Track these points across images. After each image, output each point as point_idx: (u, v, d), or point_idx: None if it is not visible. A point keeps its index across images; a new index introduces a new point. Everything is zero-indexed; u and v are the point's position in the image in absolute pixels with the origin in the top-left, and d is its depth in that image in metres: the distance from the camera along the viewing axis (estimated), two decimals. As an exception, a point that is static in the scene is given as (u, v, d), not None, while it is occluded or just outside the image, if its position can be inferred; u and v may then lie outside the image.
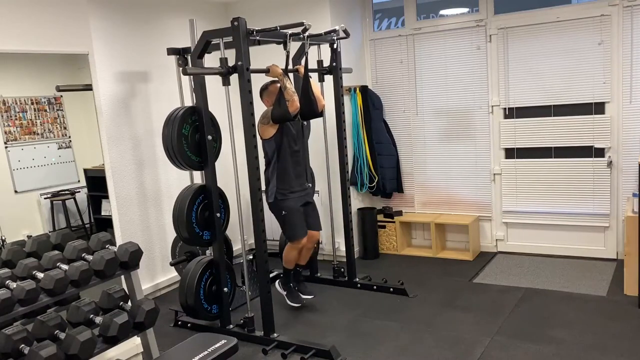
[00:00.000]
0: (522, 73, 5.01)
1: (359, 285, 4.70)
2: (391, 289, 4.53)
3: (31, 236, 3.10)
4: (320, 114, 4.19)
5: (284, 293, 4.32)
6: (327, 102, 4.57)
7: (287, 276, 4.34)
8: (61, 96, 4.56)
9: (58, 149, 4.59)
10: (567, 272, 4.71)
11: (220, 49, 3.66)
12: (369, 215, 5.52)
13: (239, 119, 3.60)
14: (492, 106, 5.18)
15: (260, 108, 3.91)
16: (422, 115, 5.51)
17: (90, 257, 2.88)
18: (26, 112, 4.37)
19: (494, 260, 5.21)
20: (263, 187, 3.75)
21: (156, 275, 4.88)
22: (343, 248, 4.85)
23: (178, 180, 4.83)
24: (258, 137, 3.80)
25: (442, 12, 5.40)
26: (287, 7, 5.21)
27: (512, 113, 5.11)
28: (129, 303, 2.98)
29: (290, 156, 4.03)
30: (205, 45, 3.70)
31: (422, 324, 3.93)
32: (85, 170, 4.78)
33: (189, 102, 4.31)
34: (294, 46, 4.14)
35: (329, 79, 4.62)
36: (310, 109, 4.04)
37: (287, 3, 5.23)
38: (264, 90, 4.12)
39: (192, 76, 4.01)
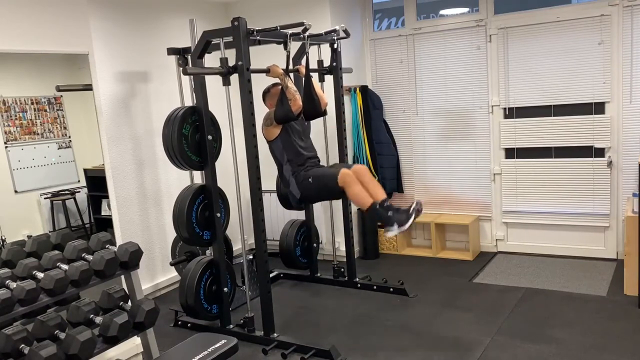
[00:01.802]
0: (522, 73, 5.01)
1: (359, 285, 4.70)
2: (391, 289, 4.53)
3: (31, 236, 3.10)
4: (324, 112, 4.19)
5: (391, 227, 3.63)
6: (328, 102, 4.56)
7: (379, 214, 3.66)
8: (61, 96, 4.56)
9: (58, 149, 4.59)
10: (567, 272, 4.71)
11: (220, 49, 3.66)
12: (369, 215, 5.51)
13: (239, 118, 3.60)
14: (492, 106, 5.18)
15: (260, 108, 3.91)
16: (422, 115, 5.51)
17: (90, 257, 2.88)
18: (26, 112, 4.37)
19: (494, 260, 5.21)
20: (264, 187, 3.74)
21: (156, 275, 4.88)
22: (343, 248, 4.85)
23: (178, 180, 4.83)
24: (263, 140, 3.79)
25: (442, 12, 5.40)
26: (287, 7, 5.21)
27: (512, 113, 5.12)
28: (129, 303, 2.98)
29: (299, 152, 3.95)
30: (206, 45, 3.70)
31: (422, 324, 3.93)
32: (85, 170, 4.79)
33: (189, 102, 4.31)
34: (294, 46, 4.14)
35: (329, 79, 4.62)
36: (314, 108, 4.03)
37: (287, 3, 5.23)
38: (266, 93, 4.12)
39: (192, 76, 4.01)
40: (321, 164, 4.16)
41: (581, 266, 4.82)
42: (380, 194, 3.71)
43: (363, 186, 3.68)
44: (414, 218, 3.59)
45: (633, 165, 4.53)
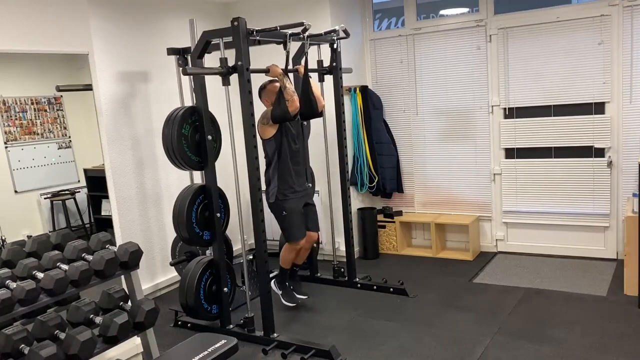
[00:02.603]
0: (522, 73, 5.01)
1: (359, 285, 4.70)
2: (391, 289, 4.53)
3: (31, 236, 3.10)
4: (320, 114, 4.19)
5: (280, 292, 4.30)
6: (327, 102, 4.57)
7: (284, 275, 4.31)
8: (61, 96, 4.57)
9: (58, 149, 4.59)
10: (567, 272, 4.71)
11: (220, 49, 3.66)
12: (369, 215, 5.52)
13: (239, 119, 3.60)
14: (492, 106, 5.18)
15: (259, 108, 3.91)
16: (422, 115, 5.51)
17: (90, 257, 2.88)
18: (26, 112, 4.37)
19: (494, 260, 5.21)
20: (264, 188, 3.75)
21: (156, 275, 4.88)
22: (343, 248, 4.85)
23: (178, 180, 4.83)
24: (258, 137, 3.80)
25: (442, 12, 5.40)
26: (287, 7, 5.21)
27: (512, 113, 5.12)
28: (129, 303, 2.98)
29: (290, 156, 4.02)
30: (205, 45, 3.70)
31: (422, 324, 3.93)
32: (85, 170, 4.79)
33: (189, 102, 4.31)
34: (294, 46, 4.14)
35: (329, 79, 4.62)
36: (310, 109, 4.04)
37: (287, 3, 5.23)
38: (262, 89, 4.12)
39: (192, 76, 4.01)
40: (310, 197, 4.30)
41: (581, 266, 4.82)
42: (299, 262, 4.38)
43: (297, 252, 4.25)
44: (295, 304, 4.27)
45: (633, 165, 4.53)
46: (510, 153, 5.20)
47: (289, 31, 3.79)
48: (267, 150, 4.03)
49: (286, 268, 4.29)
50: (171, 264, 4.45)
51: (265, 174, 4.10)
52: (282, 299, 4.28)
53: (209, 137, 3.83)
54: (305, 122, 4.31)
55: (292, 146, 4.03)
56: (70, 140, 4.65)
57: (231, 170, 3.86)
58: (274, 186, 4.03)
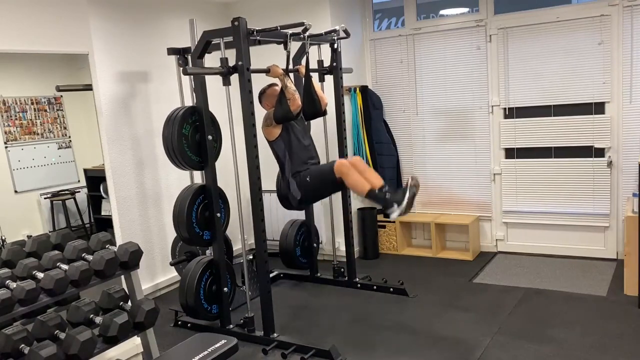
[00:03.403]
0: (522, 73, 5.01)
1: (359, 285, 4.70)
2: (391, 289, 4.53)
3: (31, 236, 3.10)
4: (324, 112, 4.19)
5: (391, 208, 3.57)
6: (328, 102, 4.57)
7: (377, 197, 3.64)
8: (61, 96, 4.56)
9: (58, 149, 4.59)
10: (567, 272, 4.71)
11: (220, 49, 3.66)
12: (369, 215, 5.52)
13: (240, 118, 3.60)
14: (492, 106, 5.18)
15: (259, 108, 3.91)
16: (422, 115, 5.51)
17: (90, 257, 2.88)
18: (26, 112, 4.37)
19: (494, 260, 5.21)
20: (266, 186, 3.74)
21: (156, 275, 4.88)
22: (343, 248, 4.85)
23: (178, 180, 4.83)
24: (264, 140, 3.79)
25: (442, 12, 5.40)
26: (287, 7, 5.21)
27: (512, 113, 5.12)
28: (129, 303, 2.98)
29: (301, 152, 3.96)
30: (206, 45, 3.70)
31: (422, 324, 3.93)
32: (85, 170, 4.79)
33: (189, 102, 4.31)
34: (295, 46, 4.14)
35: (329, 79, 4.62)
36: (314, 108, 4.03)
37: (287, 3, 5.23)
38: (262, 94, 4.12)
39: (192, 76, 4.01)
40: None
41: (581, 266, 4.82)
42: (377, 181, 3.69)
43: (360, 174, 3.69)
44: (411, 194, 3.53)
45: (633, 165, 4.53)
46: (510, 153, 5.20)
47: (290, 31, 3.79)
48: (277, 151, 3.99)
49: (369, 190, 3.64)
50: (171, 264, 4.45)
51: (282, 179, 4.07)
52: (395, 208, 3.56)
53: (209, 137, 3.83)
54: (305, 122, 4.30)
55: (301, 142, 4.00)
56: (70, 140, 4.65)
57: (231, 170, 3.86)
58: (292, 185, 3.96)
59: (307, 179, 3.87)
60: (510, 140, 5.16)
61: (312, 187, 3.89)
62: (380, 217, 5.59)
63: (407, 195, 3.51)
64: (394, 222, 5.56)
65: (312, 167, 3.96)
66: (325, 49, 4.58)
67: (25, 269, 2.70)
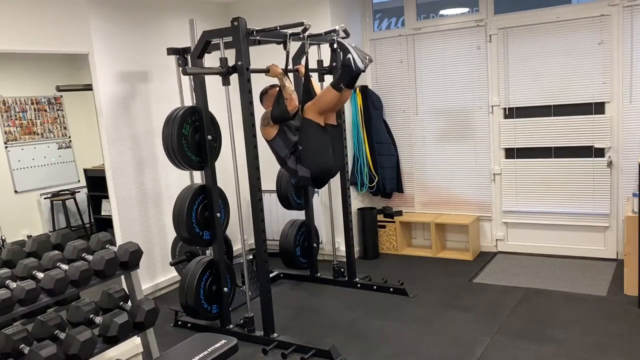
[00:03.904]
0: (522, 73, 5.01)
1: (359, 285, 4.70)
2: (391, 289, 4.53)
3: (31, 236, 3.10)
4: None
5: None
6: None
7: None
8: (61, 96, 4.57)
9: (58, 149, 4.59)
10: (567, 272, 4.71)
11: (220, 49, 3.66)
12: (369, 215, 5.52)
13: (239, 118, 3.60)
14: (492, 106, 5.18)
15: (259, 108, 3.91)
16: (422, 115, 5.51)
17: (90, 257, 2.88)
18: (26, 112, 4.37)
19: (494, 260, 5.21)
20: (267, 187, 3.74)
21: (156, 275, 4.88)
22: (343, 248, 4.85)
23: (178, 180, 4.83)
24: (262, 139, 3.79)
25: (442, 12, 5.40)
26: (287, 7, 5.21)
27: (512, 113, 5.12)
28: (129, 303, 2.98)
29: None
30: (205, 45, 3.70)
31: (422, 324, 3.94)
32: (85, 170, 4.79)
33: (189, 102, 4.31)
34: (294, 46, 4.14)
35: (329, 79, 4.61)
36: None
37: (287, 3, 5.23)
38: (263, 94, 4.12)
39: (192, 76, 4.01)
40: None
41: (581, 266, 4.82)
42: None
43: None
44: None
45: (633, 165, 4.53)
46: (510, 153, 5.20)
47: (289, 31, 3.79)
48: (276, 149, 3.98)
49: None
50: (171, 264, 4.45)
51: (288, 171, 4.01)
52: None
53: (209, 137, 3.83)
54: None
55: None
56: (70, 140, 4.65)
57: (231, 170, 3.86)
58: (298, 167, 3.85)
59: (300, 147, 3.78)
60: (510, 140, 5.16)
61: (309, 151, 3.78)
62: (380, 217, 5.60)
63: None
64: (394, 222, 5.56)
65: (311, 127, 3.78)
66: (325, 48, 4.58)
67: (25, 269, 2.70)
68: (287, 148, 3.92)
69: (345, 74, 3.62)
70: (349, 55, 3.58)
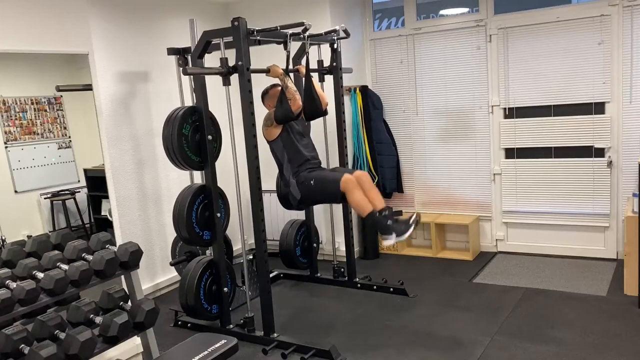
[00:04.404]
0: (522, 73, 5.01)
1: (359, 285, 4.70)
2: (391, 289, 4.53)
3: (31, 236, 3.10)
4: (325, 112, 4.18)
5: (389, 236, 3.64)
6: (328, 101, 4.57)
7: (378, 222, 3.68)
8: (61, 96, 4.56)
9: (58, 149, 4.59)
10: (567, 272, 4.71)
11: (220, 49, 3.66)
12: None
13: (239, 118, 3.60)
14: (492, 106, 5.18)
15: (259, 108, 3.91)
16: (422, 115, 5.51)
17: (90, 257, 2.88)
18: (26, 112, 4.37)
19: (494, 260, 5.21)
20: (266, 187, 3.74)
21: (156, 275, 4.88)
22: (343, 248, 4.85)
23: (178, 180, 4.83)
24: (264, 140, 3.80)
25: (442, 12, 5.40)
26: (287, 7, 5.21)
27: (512, 113, 5.12)
28: (129, 303, 2.98)
29: (300, 151, 3.97)
30: (206, 45, 3.70)
31: (422, 324, 3.93)
32: (85, 170, 4.78)
33: (189, 102, 4.31)
34: (294, 46, 4.14)
35: (329, 79, 4.62)
36: (315, 108, 4.03)
37: (287, 3, 5.23)
38: (265, 94, 4.13)
39: (192, 76, 4.01)
40: (322, 166, 4.17)
41: (581, 266, 4.82)
42: (380, 203, 3.73)
43: (364, 193, 3.70)
44: (413, 229, 3.61)
45: (633, 165, 4.53)
46: (510, 153, 5.20)
47: (289, 31, 3.79)
48: (276, 152, 4.00)
49: (370, 212, 3.68)
50: (171, 264, 4.45)
51: (280, 177, 4.07)
52: (394, 236, 3.63)
53: (209, 137, 3.83)
54: (306, 122, 4.30)
55: (300, 142, 4.01)
56: (70, 140, 4.64)
57: (231, 170, 3.86)
58: (292, 184, 3.96)
59: (312, 182, 3.84)
60: (510, 140, 5.16)
61: (314, 192, 3.88)
62: (380, 217, 5.59)
63: (410, 230, 3.59)
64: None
65: (317, 171, 3.94)
66: (325, 49, 4.58)
67: (25, 269, 2.70)
68: (286, 153, 3.93)
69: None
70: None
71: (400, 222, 3.62)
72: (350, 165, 5.37)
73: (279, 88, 3.89)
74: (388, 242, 3.68)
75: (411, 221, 3.60)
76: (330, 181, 3.77)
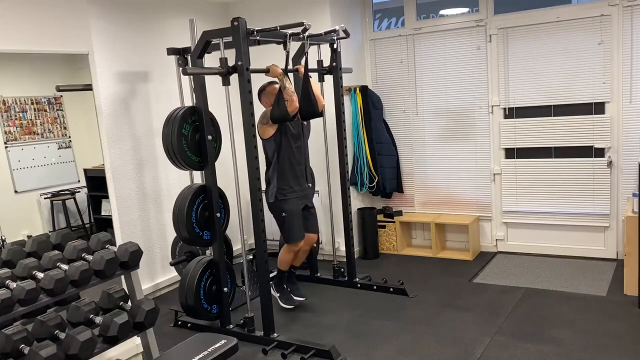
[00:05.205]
0: (522, 73, 5.01)
1: (359, 285, 4.70)
2: (391, 289, 4.53)
3: (31, 236, 3.11)
4: (320, 114, 4.20)
5: (277, 295, 4.30)
6: (327, 102, 4.57)
7: (281, 278, 4.33)
8: (61, 96, 4.57)
9: (58, 149, 4.59)
10: (567, 272, 4.71)
11: (220, 49, 3.66)
12: (369, 215, 5.52)
13: (239, 119, 3.60)
14: (492, 106, 5.18)
15: (259, 108, 3.91)
16: (422, 115, 5.51)
17: (90, 257, 2.88)
18: (26, 112, 4.37)
19: (494, 260, 5.21)
20: (263, 188, 3.75)
21: (156, 275, 4.88)
22: (343, 248, 4.85)
23: (178, 180, 4.83)
24: (258, 137, 3.80)
25: (442, 12, 5.40)
26: (287, 7, 5.21)
27: (512, 113, 5.12)
28: (129, 303, 2.98)
29: (290, 156, 4.03)
30: (205, 45, 3.70)
31: (422, 324, 3.94)
32: (85, 170, 4.79)
33: (189, 102, 4.31)
34: (294, 46, 4.14)
35: (329, 79, 4.62)
36: (311, 109, 4.04)
37: (287, 3, 5.23)
38: (261, 91, 4.13)
39: (192, 76, 4.01)
40: (309, 199, 4.28)
41: (581, 266, 4.82)
42: (296, 264, 4.38)
43: (295, 254, 4.26)
44: (292, 307, 4.29)
45: (633, 165, 4.53)
46: (510, 153, 5.20)
47: (289, 31, 3.79)
48: (267, 150, 4.05)
49: (284, 270, 4.30)
50: (171, 264, 4.45)
51: (265, 174, 4.10)
52: (279, 301, 4.28)
53: (209, 137, 3.83)
54: (305, 122, 4.31)
55: (292, 146, 4.04)
56: (70, 140, 4.65)
57: (231, 170, 3.86)
58: (273, 186, 4.04)
59: (284, 214, 4.08)
60: (510, 140, 5.16)
61: (277, 218, 4.13)
62: (380, 217, 5.60)
63: (289, 306, 4.28)
64: (394, 222, 5.56)
65: (296, 207, 4.11)
66: (325, 49, 4.58)
67: (25, 269, 2.70)
68: (277, 156, 4.02)
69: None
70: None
71: (290, 298, 4.31)
72: (350, 166, 5.37)
73: (276, 86, 3.90)
74: (280, 302, 4.29)
75: (296, 299, 4.30)
76: (293, 231, 4.13)
